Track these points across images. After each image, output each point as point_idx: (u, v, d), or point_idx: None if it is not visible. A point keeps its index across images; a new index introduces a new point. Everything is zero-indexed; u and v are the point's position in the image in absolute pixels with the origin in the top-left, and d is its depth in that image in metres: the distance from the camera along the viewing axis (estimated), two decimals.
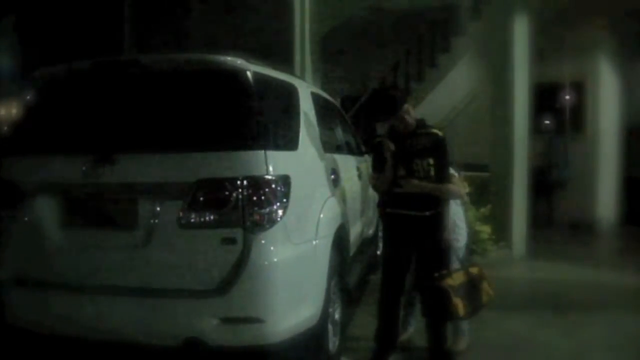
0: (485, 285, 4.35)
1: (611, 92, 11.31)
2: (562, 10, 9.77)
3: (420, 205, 4.30)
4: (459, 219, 4.84)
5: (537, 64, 8.72)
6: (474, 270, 4.39)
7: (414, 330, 4.95)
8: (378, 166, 4.50)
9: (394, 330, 4.59)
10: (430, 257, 4.34)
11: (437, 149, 4.32)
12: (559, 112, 11.58)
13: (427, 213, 4.30)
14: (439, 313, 4.23)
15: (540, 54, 8.81)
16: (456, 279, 4.19)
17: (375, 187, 4.77)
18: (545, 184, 10.74)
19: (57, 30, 14.39)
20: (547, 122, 11.58)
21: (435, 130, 4.39)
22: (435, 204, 4.31)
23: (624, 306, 5.84)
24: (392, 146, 4.33)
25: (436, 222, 4.32)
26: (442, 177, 4.31)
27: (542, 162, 10.91)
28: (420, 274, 4.44)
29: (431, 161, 4.27)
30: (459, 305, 4.10)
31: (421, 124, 4.44)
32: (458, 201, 4.84)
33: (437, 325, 4.39)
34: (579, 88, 11.49)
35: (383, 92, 4.70)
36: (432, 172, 4.27)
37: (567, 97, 11.56)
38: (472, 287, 4.26)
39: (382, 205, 4.58)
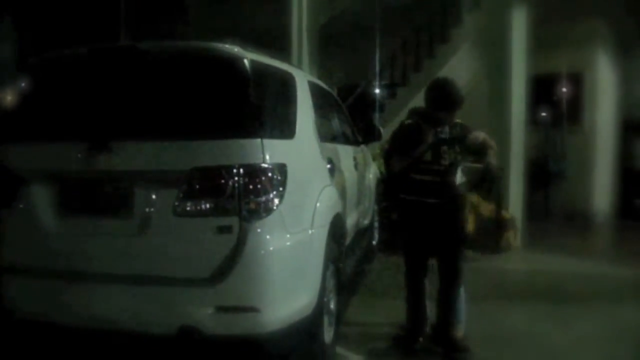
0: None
1: (609, 85, 11.29)
2: (560, 1, 9.75)
3: (437, 193, 4.38)
4: None
5: (535, 55, 8.70)
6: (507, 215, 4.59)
7: None
8: (402, 148, 4.49)
9: (423, 314, 4.68)
10: (449, 244, 4.50)
11: (464, 137, 4.47)
12: (556, 104, 11.57)
13: (443, 200, 4.39)
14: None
15: (538, 45, 8.78)
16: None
17: (390, 169, 4.69)
18: (541, 176, 10.74)
19: (53, 18, 14.32)
20: (544, 114, 11.57)
21: (460, 121, 4.53)
22: (451, 191, 4.40)
23: (619, 298, 5.85)
24: (430, 131, 4.41)
25: (453, 209, 4.47)
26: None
27: (538, 154, 10.91)
28: (441, 258, 4.56)
29: (458, 149, 4.42)
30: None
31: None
32: None
33: (453, 292, 4.52)
34: (576, 80, 11.47)
35: (448, 85, 4.56)
36: (460, 159, 4.42)
37: (565, 89, 11.55)
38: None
39: (395, 191, 4.62)
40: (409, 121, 4.56)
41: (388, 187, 4.81)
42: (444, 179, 4.38)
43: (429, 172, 4.41)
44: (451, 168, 4.38)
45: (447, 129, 4.45)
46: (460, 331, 4.67)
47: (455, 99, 4.44)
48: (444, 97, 4.45)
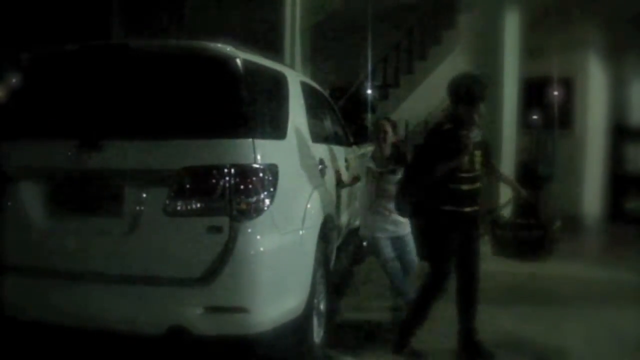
0: None
1: (600, 89, 11.32)
2: (552, 5, 9.78)
3: (473, 201, 4.35)
4: None
5: (526, 59, 8.73)
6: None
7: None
8: (437, 158, 4.21)
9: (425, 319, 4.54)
10: (475, 250, 4.48)
11: (486, 141, 4.45)
12: (548, 107, 11.60)
13: (476, 208, 4.38)
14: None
15: (530, 49, 8.81)
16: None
17: (421, 182, 4.35)
18: (531, 179, 10.76)
19: (45, 14, 14.24)
20: (535, 117, 11.59)
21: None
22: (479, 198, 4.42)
23: (608, 301, 5.86)
24: (467, 136, 4.22)
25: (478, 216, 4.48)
26: (490, 169, 4.55)
27: (529, 157, 10.93)
28: (465, 266, 4.46)
29: (480, 154, 4.33)
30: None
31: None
32: None
33: (476, 298, 4.48)
34: (567, 84, 11.50)
35: (472, 75, 4.49)
36: (480, 166, 4.35)
37: (556, 93, 11.57)
38: None
39: (428, 201, 4.35)
40: (448, 126, 4.28)
41: (406, 196, 4.53)
42: (478, 186, 4.34)
43: (466, 180, 4.27)
44: (479, 174, 4.34)
45: (476, 131, 4.31)
46: None
47: (475, 91, 4.27)
48: (472, 90, 4.26)
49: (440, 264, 4.40)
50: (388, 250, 5.25)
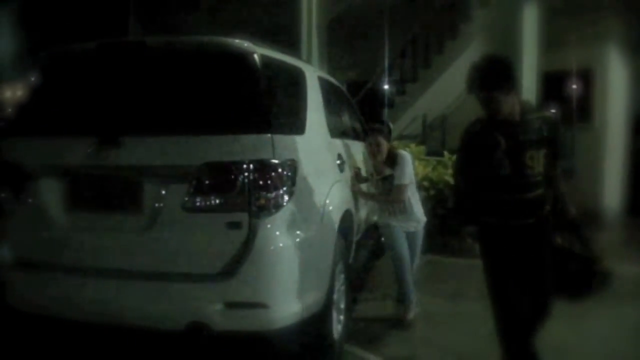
0: None
1: (620, 82, 11.21)
2: None
3: (533, 212, 3.62)
4: (415, 200, 5.33)
5: (545, 52, 8.65)
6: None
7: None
8: (470, 165, 3.70)
9: None
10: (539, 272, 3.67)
11: (556, 136, 3.60)
12: (567, 101, 11.50)
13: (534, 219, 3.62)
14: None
15: (548, 42, 8.72)
16: None
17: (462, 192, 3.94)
18: None
19: (62, 11, 14.33)
20: (554, 110, 11.48)
21: (549, 113, 3.69)
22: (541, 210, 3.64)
23: (629, 296, 5.80)
24: (502, 139, 3.49)
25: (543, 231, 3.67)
26: (554, 171, 3.68)
27: None
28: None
29: (544, 152, 3.52)
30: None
31: (529, 106, 3.66)
32: (414, 180, 5.35)
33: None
34: (587, 77, 11.39)
35: (496, 58, 3.59)
36: (546, 168, 3.55)
37: (575, 86, 11.47)
38: None
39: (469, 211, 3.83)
40: (476, 129, 3.67)
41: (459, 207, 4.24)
42: (538, 194, 3.58)
43: (515, 188, 3.55)
44: (540, 179, 3.54)
45: (533, 125, 3.53)
46: (411, 313, 5.00)
47: (499, 75, 3.48)
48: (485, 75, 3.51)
49: (492, 294, 3.66)
50: (402, 242, 5.27)
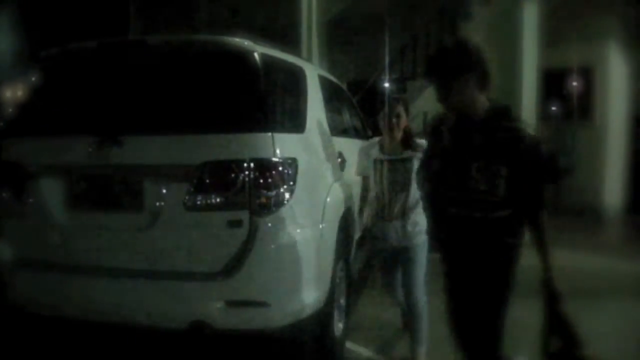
0: None
1: (620, 79, 11.21)
2: None
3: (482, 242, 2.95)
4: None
5: (545, 49, 8.65)
6: None
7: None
8: (429, 165, 3.15)
9: None
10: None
11: (528, 159, 2.78)
12: (567, 98, 11.50)
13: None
14: None
15: (549, 40, 8.73)
16: None
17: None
18: (552, 172, 10.68)
19: (62, 11, 14.33)
20: (554, 108, 11.51)
21: (526, 129, 2.86)
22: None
23: (628, 293, 5.81)
24: (446, 137, 2.99)
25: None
26: (533, 208, 2.86)
27: (549, 148, 10.85)
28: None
29: (504, 172, 2.76)
30: None
31: (501, 110, 2.94)
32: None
33: None
34: (587, 75, 11.39)
35: (452, 44, 3.07)
36: (501, 189, 2.77)
37: (575, 83, 11.47)
38: None
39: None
40: (436, 121, 3.15)
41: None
42: (493, 217, 2.84)
43: (458, 202, 2.92)
44: (489, 197, 2.80)
45: (492, 135, 2.82)
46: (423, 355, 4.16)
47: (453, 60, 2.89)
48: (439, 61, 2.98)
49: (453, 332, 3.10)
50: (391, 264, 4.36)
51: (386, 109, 4.38)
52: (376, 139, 4.45)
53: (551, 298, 3.08)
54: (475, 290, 2.95)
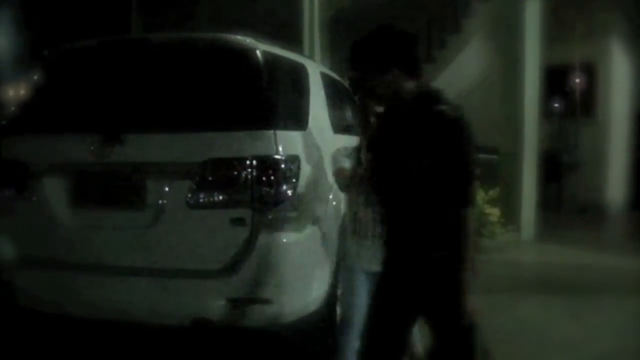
0: None
1: (623, 76, 11.21)
2: None
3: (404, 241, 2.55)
4: None
5: (548, 46, 8.65)
6: None
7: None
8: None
9: None
10: None
11: (448, 140, 2.37)
12: (570, 95, 11.50)
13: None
14: None
15: (552, 36, 8.72)
16: None
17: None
18: (555, 168, 10.69)
19: (65, 8, 14.34)
20: (557, 105, 11.50)
21: (450, 108, 2.43)
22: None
23: (632, 290, 5.81)
24: (372, 119, 2.88)
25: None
26: (450, 194, 2.37)
27: (552, 145, 10.85)
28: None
29: (425, 162, 2.35)
30: None
31: (428, 95, 2.52)
32: None
33: None
34: (590, 71, 11.38)
35: (369, 34, 2.69)
36: (426, 183, 2.38)
37: (578, 80, 11.46)
38: None
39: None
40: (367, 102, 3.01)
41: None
42: (411, 217, 2.47)
43: (382, 200, 2.67)
44: (414, 191, 2.42)
45: (417, 120, 2.44)
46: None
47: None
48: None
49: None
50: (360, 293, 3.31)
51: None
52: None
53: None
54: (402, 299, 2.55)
